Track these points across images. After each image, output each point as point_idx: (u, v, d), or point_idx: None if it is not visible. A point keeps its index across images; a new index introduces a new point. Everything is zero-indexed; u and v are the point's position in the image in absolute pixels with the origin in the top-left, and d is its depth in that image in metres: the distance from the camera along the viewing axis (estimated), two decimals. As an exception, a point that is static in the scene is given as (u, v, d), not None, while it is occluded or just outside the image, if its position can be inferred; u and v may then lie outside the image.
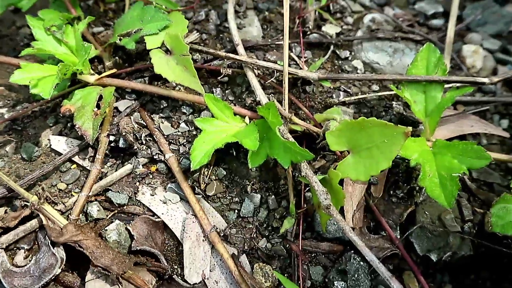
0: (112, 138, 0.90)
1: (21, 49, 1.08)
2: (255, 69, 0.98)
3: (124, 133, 0.87)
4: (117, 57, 1.04)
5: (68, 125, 0.96)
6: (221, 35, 1.12)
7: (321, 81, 0.95)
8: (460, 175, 0.76)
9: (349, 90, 1.04)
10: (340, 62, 1.11)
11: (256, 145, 0.83)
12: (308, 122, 0.95)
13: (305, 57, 1.10)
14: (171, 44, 0.91)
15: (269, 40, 1.13)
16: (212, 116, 0.90)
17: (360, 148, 0.78)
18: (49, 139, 0.94)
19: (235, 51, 1.03)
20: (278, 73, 0.99)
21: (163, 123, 0.96)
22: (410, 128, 0.73)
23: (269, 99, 0.93)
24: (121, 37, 0.98)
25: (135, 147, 0.89)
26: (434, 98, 0.90)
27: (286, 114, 0.89)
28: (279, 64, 0.96)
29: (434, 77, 0.90)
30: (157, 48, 0.92)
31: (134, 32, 0.97)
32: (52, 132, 0.96)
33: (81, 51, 0.89)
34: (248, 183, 0.91)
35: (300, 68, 1.06)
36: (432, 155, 0.83)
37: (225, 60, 0.99)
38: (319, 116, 0.91)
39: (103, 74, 0.97)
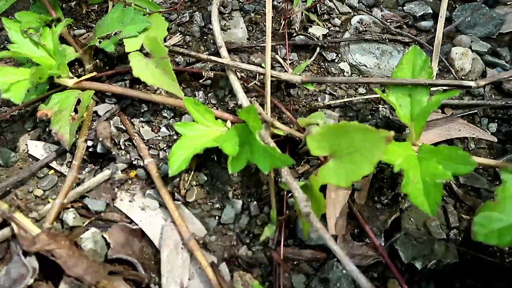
0: (90, 143, 0.88)
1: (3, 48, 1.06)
2: (237, 72, 0.96)
3: (101, 138, 0.85)
4: (97, 60, 1.01)
5: (47, 129, 0.94)
6: (205, 37, 1.10)
7: (305, 84, 0.93)
8: (445, 181, 0.74)
9: (334, 93, 1.02)
10: (326, 64, 1.09)
11: (236, 150, 0.81)
12: (291, 126, 0.93)
13: (290, 59, 1.08)
14: (150, 47, 0.89)
15: (254, 42, 1.11)
16: (193, 121, 0.88)
17: (341, 153, 0.76)
18: (26, 144, 0.92)
19: (218, 54, 1.01)
20: (261, 76, 0.97)
21: (143, 127, 0.94)
22: (392, 133, 0.71)
23: (251, 103, 0.91)
24: (101, 40, 0.96)
25: (114, 153, 0.87)
26: (419, 101, 0.88)
27: (268, 119, 0.87)
28: (261, 67, 0.94)
29: (419, 80, 0.88)
30: (136, 51, 0.90)
31: (114, 35, 0.95)
32: (30, 137, 0.94)
33: (58, 54, 0.87)
34: (229, 188, 0.89)
35: (285, 71, 1.04)
36: (417, 160, 0.81)
37: (207, 62, 0.97)
38: (302, 121, 0.89)
39: (82, 78, 0.94)
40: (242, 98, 0.90)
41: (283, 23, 1.12)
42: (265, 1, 1.18)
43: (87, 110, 0.89)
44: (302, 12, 1.16)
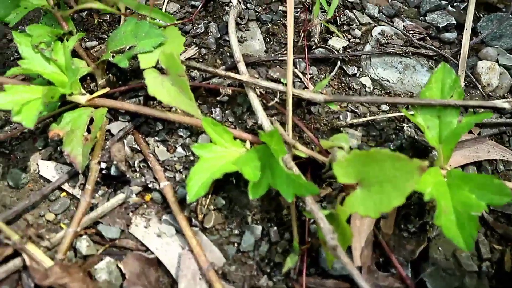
0: (103, 165, 0.84)
1: (12, 64, 1.03)
2: (256, 88, 0.92)
3: (116, 162, 0.81)
4: (110, 74, 0.98)
5: (58, 148, 0.90)
6: (221, 49, 1.06)
7: (328, 104, 0.88)
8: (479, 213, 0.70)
9: (357, 110, 0.98)
10: (347, 79, 1.05)
11: (257, 176, 0.77)
12: (313, 147, 0.89)
13: (310, 74, 1.04)
14: (167, 63, 0.85)
15: (272, 55, 1.07)
16: (210, 141, 0.84)
17: (370, 182, 0.72)
18: (37, 164, 0.88)
19: (235, 68, 0.97)
20: (281, 93, 0.92)
21: (158, 147, 0.90)
22: (426, 163, 0.67)
23: (271, 122, 0.87)
24: (114, 54, 0.92)
25: (128, 175, 0.83)
26: (449, 123, 0.84)
27: (290, 141, 0.83)
28: (282, 84, 0.90)
29: (449, 101, 0.83)
30: (151, 67, 0.86)
31: (128, 49, 0.91)
32: (41, 156, 0.90)
33: (70, 71, 0.83)
34: (248, 213, 0.85)
35: (305, 87, 1.00)
36: (447, 187, 0.77)
37: (225, 79, 0.93)
38: (325, 143, 0.84)
39: (95, 95, 0.91)
40: (262, 118, 0.86)
41: (302, 35, 1.08)
42: (282, 11, 1.14)
43: (100, 130, 0.86)
44: (321, 24, 1.12)
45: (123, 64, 0.89)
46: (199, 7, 1.12)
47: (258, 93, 0.93)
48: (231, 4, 1.14)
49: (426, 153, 0.91)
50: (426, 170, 0.67)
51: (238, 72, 0.93)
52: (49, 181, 0.86)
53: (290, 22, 0.79)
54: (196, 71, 1.00)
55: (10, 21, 0.94)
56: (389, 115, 0.97)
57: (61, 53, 0.90)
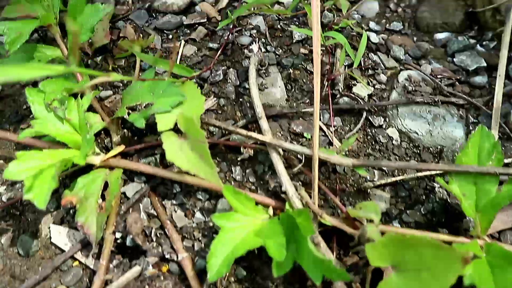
0: (118, 234, 0.80)
1: (24, 113, 0.99)
2: (280, 149, 0.87)
3: (132, 235, 0.77)
4: (125, 129, 0.93)
5: (71, 211, 0.86)
6: (241, 99, 1.01)
7: (357, 169, 0.83)
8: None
9: (384, 168, 0.93)
10: (373, 130, 0.99)
11: (283, 255, 0.72)
12: (338, 212, 0.84)
13: (334, 126, 0.98)
14: (186, 127, 0.80)
15: (294, 104, 1.02)
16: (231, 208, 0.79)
17: (406, 268, 0.66)
18: (49, 228, 0.84)
19: (256, 122, 0.93)
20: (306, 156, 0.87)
21: (176, 211, 0.85)
22: (471, 254, 0.62)
23: (296, 188, 0.82)
24: (130, 111, 0.87)
25: (145, 247, 0.79)
26: (487, 191, 0.78)
27: (316, 210, 0.78)
28: (307, 141, 0.85)
29: (488, 168, 0.78)
30: (169, 130, 0.81)
31: (144, 107, 0.86)
32: (53, 218, 0.86)
33: (84, 140, 0.78)
34: (271, 284, 0.80)
35: (330, 141, 0.95)
36: (489, 269, 0.71)
37: (247, 138, 0.88)
38: (353, 212, 0.79)
39: (109, 155, 0.86)
40: (287, 184, 0.81)
41: (326, 83, 1.03)
42: (303, 54, 1.09)
43: (115, 198, 0.81)
44: (344, 67, 1.07)
45: (139, 124, 0.84)
46: (218, 53, 1.07)
47: (281, 152, 0.88)
48: (251, 48, 1.09)
49: (460, 219, 0.86)
50: (470, 261, 0.61)
51: (259, 128, 0.89)
52: (61, 249, 0.82)
53: (316, 92, 0.74)
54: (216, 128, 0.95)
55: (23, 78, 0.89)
56: (419, 174, 0.91)
57: (75, 112, 0.86)
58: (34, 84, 1.04)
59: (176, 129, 0.82)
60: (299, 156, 0.90)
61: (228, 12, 1.13)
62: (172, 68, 0.76)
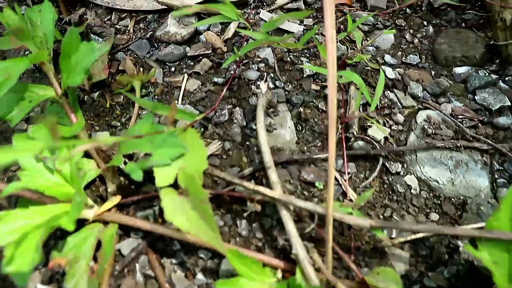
0: (111, 301, 0.73)
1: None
2: (290, 206, 0.79)
3: (125, 305, 0.69)
4: (122, 177, 0.86)
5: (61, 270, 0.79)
6: (247, 142, 0.94)
7: (375, 230, 0.76)
8: None
9: (403, 220, 0.85)
10: (390, 178, 0.92)
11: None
12: (354, 276, 0.76)
13: (348, 173, 0.91)
14: (187, 184, 0.73)
15: (305, 147, 0.94)
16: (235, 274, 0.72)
17: None
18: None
19: (264, 170, 0.86)
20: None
21: (175, 272, 0.78)
22: None
23: (307, 250, 0.74)
24: (126, 160, 0.80)
25: (140, 317, 0.71)
26: (521, 260, 0.70)
27: (331, 278, 0.70)
28: (320, 206, 0.77)
29: (522, 236, 0.70)
30: (168, 186, 0.74)
31: (142, 156, 0.79)
32: (41, 277, 0.79)
33: (74, 203, 0.71)
34: None
35: (343, 191, 0.87)
36: None
37: (254, 192, 0.80)
38: (371, 280, 0.72)
39: (104, 208, 0.79)
40: (297, 246, 0.74)
41: (339, 127, 0.95)
42: (314, 90, 1.02)
43: (108, 261, 0.74)
44: (359, 108, 1.00)
45: (137, 177, 0.77)
46: (223, 91, 1.00)
47: (291, 207, 0.80)
48: (258, 83, 1.02)
49: (489, 284, 0.78)
50: None
51: (267, 176, 0.82)
52: (48, 315, 0.74)
53: (331, 151, 0.66)
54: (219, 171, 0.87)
55: (12, 119, 0.83)
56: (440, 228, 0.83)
57: (66, 164, 0.79)
58: (27, 120, 0.98)
59: (176, 185, 0.75)
60: (313, 224, 0.82)
61: (235, 48, 1.06)
62: (172, 118, 0.69)
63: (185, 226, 0.71)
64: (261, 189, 0.79)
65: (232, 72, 1.05)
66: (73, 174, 0.75)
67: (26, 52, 1.10)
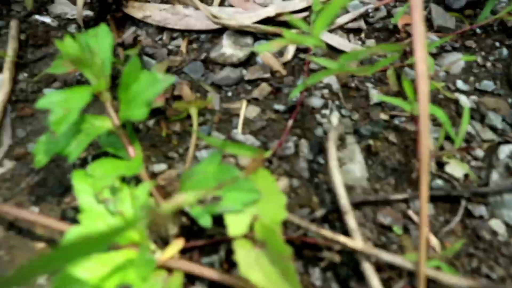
0: None
1: (68, 184, 0.87)
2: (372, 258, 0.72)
3: None
4: (183, 217, 0.80)
5: (120, 321, 0.73)
6: (315, 178, 0.87)
7: (472, 292, 0.67)
8: None
9: (493, 273, 0.76)
10: (473, 223, 0.83)
11: None
12: None
13: (428, 216, 0.82)
14: (264, 236, 0.66)
15: (377, 185, 0.86)
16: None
17: None
18: None
19: (337, 211, 0.78)
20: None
21: (245, 329, 0.71)
22: None
23: (394, 311, 0.66)
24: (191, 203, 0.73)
25: None
26: None
27: None
28: (410, 262, 0.69)
29: None
30: (242, 236, 0.67)
31: (211, 200, 0.72)
32: (98, 327, 0.73)
33: (142, 258, 0.65)
34: None
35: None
36: None
37: (332, 242, 0.73)
38: None
39: (168, 254, 0.73)
40: (384, 308, 0.66)
41: (415, 164, 0.87)
42: (383, 120, 0.94)
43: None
44: (436, 140, 0.91)
45: (205, 222, 0.70)
46: (289, 123, 0.93)
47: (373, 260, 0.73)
48: (323, 113, 0.95)
49: None
50: None
51: (340, 218, 0.75)
52: None
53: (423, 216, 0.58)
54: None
55: (69, 154, 0.77)
56: (539, 287, 0.75)
57: (128, 201, 0.73)
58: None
59: (250, 236, 0.68)
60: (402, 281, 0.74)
61: (296, 73, 0.99)
62: (254, 170, 0.62)
63: (262, 282, 0.64)
64: (341, 238, 0.71)
65: (295, 99, 0.98)
66: (137, 214, 0.68)
67: (77, 74, 1.05)
